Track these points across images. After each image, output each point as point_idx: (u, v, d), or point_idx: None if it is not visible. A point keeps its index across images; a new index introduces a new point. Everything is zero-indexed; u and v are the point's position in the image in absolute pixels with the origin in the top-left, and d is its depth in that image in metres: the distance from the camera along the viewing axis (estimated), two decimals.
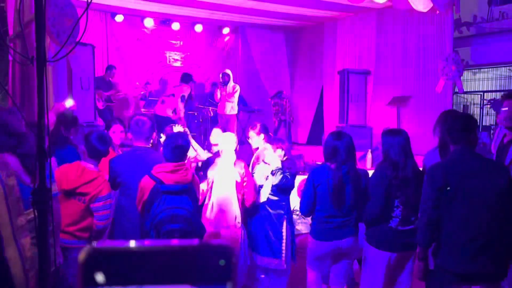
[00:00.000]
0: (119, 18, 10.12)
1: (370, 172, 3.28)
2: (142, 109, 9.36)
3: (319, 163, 6.80)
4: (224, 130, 4.65)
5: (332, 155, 3.16)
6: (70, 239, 2.97)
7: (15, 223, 1.97)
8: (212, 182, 3.59)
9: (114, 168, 3.31)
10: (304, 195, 3.29)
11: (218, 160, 3.69)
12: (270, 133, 4.32)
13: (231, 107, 8.64)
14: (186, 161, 3.11)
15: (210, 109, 9.29)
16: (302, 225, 5.59)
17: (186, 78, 8.64)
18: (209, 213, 3.54)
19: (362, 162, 7.02)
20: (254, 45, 12.02)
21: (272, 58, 12.12)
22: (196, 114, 9.28)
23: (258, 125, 4.18)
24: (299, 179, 5.95)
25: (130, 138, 3.59)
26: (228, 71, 8.71)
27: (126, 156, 3.52)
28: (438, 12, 8.20)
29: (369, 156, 7.19)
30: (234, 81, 8.94)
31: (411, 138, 3.24)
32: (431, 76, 8.90)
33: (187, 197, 2.83)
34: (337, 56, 10.75)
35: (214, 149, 4.13)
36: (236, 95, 8.60)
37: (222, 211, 3.53)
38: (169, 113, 8.02)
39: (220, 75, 8.78)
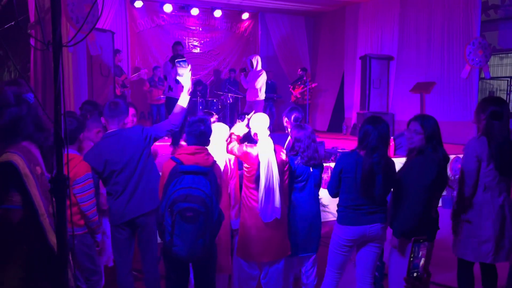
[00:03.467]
0: (138, 4, 10.09)
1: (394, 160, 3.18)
2: (161, 96, 9.36)
3: (340, 150, 6.69)
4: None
5: (363, 141, 3.03)
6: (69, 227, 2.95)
7: (49, 212, 1.96)
8: (257, 168, 3.33)
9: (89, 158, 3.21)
10: (330, 179, 3.24)
11: (258, 145, 3.42)
12: (297, 122, 4.05)
13: (254, 93, 8.53)
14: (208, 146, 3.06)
15: (229, 96, 9.24)
16: (324, 213, 5.51)
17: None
18: (260, 205, 3.32)
19: None
20: (274, 31, 11.87)
21: (292, 44, 11.96)
22: (215, 100, 9.25)
23: (294, 114, 4.00)
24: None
25: (103, 123, 3.40)
26: (253, 57, 8.62)
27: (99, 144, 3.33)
28: None
29: (391, 143, 7.05)
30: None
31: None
32: (457, 61, 8.65)
33: (205, 179, 2.79)
34: (359, 41, 10.53)
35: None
36: (259, 80, 8.42)
37: (269, 201, 3.31)
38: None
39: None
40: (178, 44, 7.69)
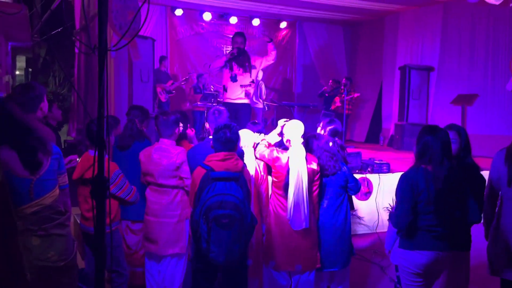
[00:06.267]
0: (178, 12, 10.30)
1: None
2: (198, 103, 9.47)
3: (376, 161, 6.52)
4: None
5: (424, 154, 2.73)
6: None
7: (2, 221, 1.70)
8: (286, 175, 3.32)
9: (190, 159, 3.46)
10: (397, 208, 2.83)
11: (289, 152, 3.40)
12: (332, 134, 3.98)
13: None
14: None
15: (264, 103, 9.29)
16: (359, 226, 5.40)
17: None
18: (289, 213, 3.29)
19: None
20: (311, 40, 11.83)
21: (330, 53, 11.88)
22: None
23: (332, 127, 3.89)
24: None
25: (207, 129, 3.67)
26: None
27: (199, 147, 3.62)
28: (511, 4, 7.64)
29: None
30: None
31: (477, 139, 3.04)
32: (501, 73, 8.34)
33: (236, 184, 2.85)
34: (398, 51, 10.34)
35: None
36: None
37: (298, 210, 3.26)
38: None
39: None
40: (238, 35, 6.10)
